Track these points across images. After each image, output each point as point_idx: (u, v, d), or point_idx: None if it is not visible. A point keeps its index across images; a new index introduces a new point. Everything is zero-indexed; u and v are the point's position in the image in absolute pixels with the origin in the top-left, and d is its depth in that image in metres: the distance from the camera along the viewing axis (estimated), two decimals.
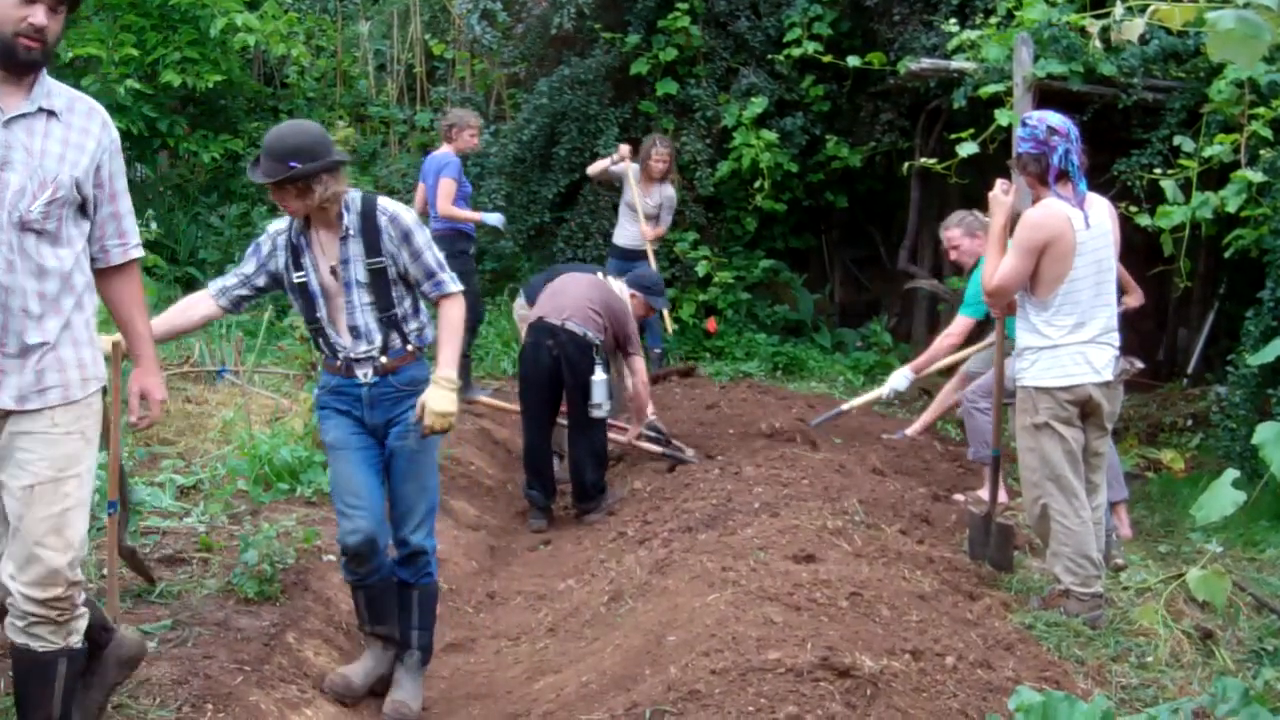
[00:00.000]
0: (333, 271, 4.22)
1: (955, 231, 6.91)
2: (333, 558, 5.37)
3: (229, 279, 4.39)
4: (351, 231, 4.19)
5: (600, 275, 7.49)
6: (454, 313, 4.29)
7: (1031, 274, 4.92)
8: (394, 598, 4.48)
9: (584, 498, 6.96)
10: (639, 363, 7.24)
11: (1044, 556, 5.69)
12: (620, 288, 7.40)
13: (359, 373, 4.27)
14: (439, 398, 4.17)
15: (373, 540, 4.28)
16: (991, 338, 6.80)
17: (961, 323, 6.93)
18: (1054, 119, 4.92)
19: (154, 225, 8.32)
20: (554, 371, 6.80)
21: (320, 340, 4.33)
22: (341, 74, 13.29)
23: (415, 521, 4.41)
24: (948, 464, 7.55)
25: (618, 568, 5.66)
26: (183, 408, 7.49)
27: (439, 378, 4.19)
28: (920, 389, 9.88)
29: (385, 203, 4.26)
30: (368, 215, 4.20)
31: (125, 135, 10.54)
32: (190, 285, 10.73)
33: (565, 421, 7.13)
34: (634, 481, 7.27)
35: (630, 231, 9.60)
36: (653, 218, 9.48)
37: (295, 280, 4.27)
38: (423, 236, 4.24)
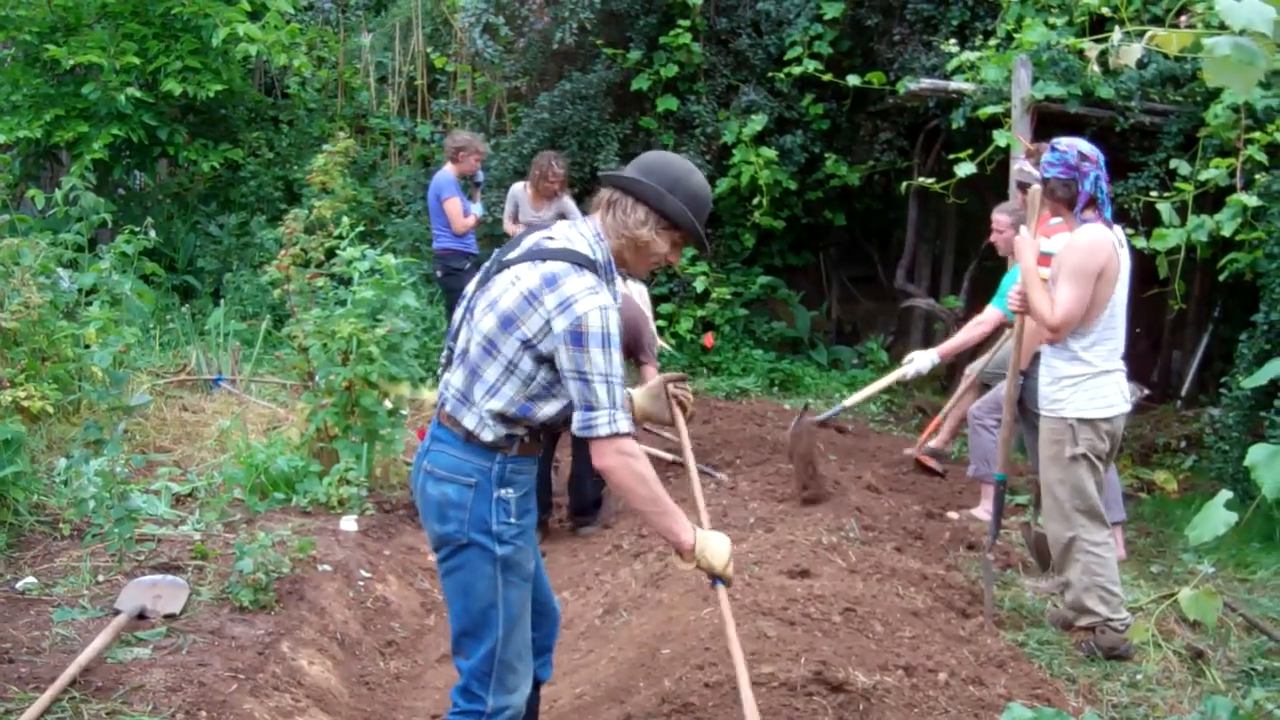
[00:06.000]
0: None
1: (1004, 218, 6.65)
2: (328, 568, 5.39)
3: None
4: None
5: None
6: None
7: None
8: None
9: (581, 511, 6.95)
10: (652, 372, 6.89)
11: (1036, 575, 5.72)
12: (639, 290, 7.20)
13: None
14: None
15: None
16: (1005, 340, 6.76)
17: (993, 313, 6.75)
18: (1084, 146, 4.81)
19: (152, 233, 8.30)
20: None
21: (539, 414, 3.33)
22: (343, 85, 13.35)
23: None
24: (940, 481, 7.58)
25: (613, 581, 5.68)
26: (179, 415, 7.51)
27: None
28: (916, 407, 9.96)
29: None
30: None
31: (125, 143, 10.65)
32: (187, 294, 10.74)
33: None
34: None
35: None
36: None
37: None
38: None
